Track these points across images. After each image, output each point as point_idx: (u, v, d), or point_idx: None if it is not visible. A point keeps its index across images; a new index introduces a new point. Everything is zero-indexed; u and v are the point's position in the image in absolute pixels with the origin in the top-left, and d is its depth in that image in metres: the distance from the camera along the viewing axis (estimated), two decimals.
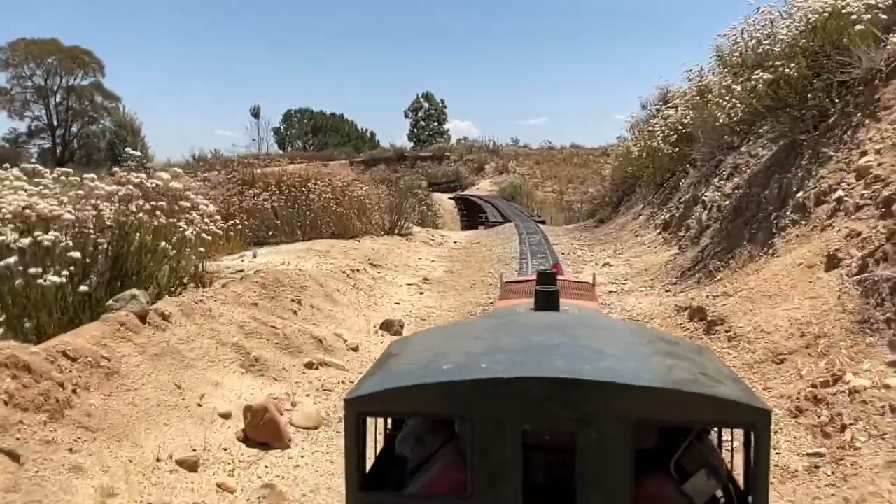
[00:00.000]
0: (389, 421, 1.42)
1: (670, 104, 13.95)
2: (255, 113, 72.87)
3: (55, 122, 47.70)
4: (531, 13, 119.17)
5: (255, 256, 8.62)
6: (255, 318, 4.91)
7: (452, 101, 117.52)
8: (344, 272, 7.86)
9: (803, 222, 6.40)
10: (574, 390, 1.06)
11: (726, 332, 5.31)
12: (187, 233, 4.83)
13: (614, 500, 1.07)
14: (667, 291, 7.71)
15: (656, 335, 1.50)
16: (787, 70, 6.87)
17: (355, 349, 5.39)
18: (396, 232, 13.57)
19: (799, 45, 6.96)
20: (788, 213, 6.68)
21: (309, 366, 4.72)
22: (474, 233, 17.96)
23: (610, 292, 8.15)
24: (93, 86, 48.22)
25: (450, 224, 37.82)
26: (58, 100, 47.69)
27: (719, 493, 1.19)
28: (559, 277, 2.11)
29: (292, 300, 5.78)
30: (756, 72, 7.07)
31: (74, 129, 49.13)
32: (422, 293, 8.27)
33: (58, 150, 47.91)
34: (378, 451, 1.36)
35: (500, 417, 1.07)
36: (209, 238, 5.27)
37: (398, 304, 7.49)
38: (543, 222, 21.64)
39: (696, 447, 1.18)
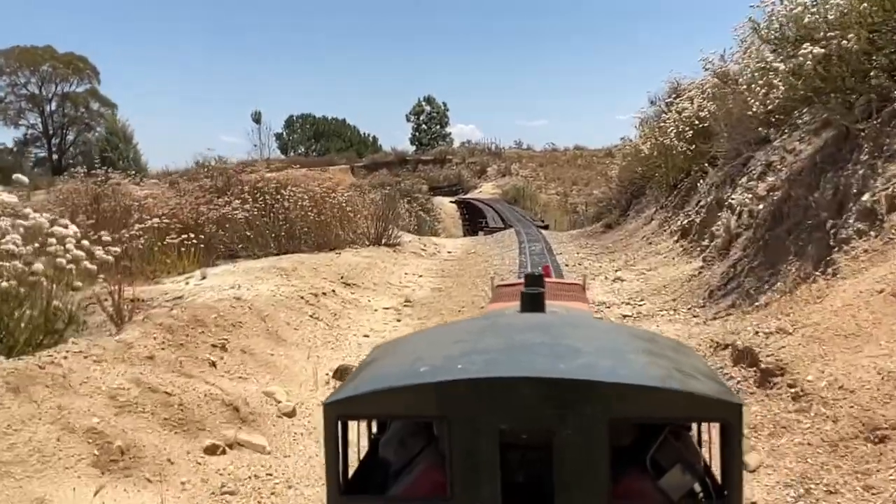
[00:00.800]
0: (374, 425, 1.40)
1: (685, 97, 12.52)
2: (257, 118, 71.45)
3: (50, 131, 46.63)
4: (531, 13, 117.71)
5: (203, 278, 7.24)
6: (142, 380, 3.52)
7: (456, 104, 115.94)
8: (303, 297, 6.47)
9: (873, 233, 4.97)
10: (549, 389, 1.06)
11: (790, 386, 3.87)
12: (36, 265, 3.44)
13: (592, 497, 1.07)
14: (694, 317, 6.29)
15: (636, 333, 1.49)
16: (844, 42, 5.45)
17: (290, 414, 4.00)
18: (384, 242, 12.17)
19: (857, 11, 5.55)
20: (851, 220, 5.24)
21: (211, 450, 3.33)
22: (472, 240, 16.55)
23: (624, 316, 6.74)
24: (88, 93, 47.16)
25: (451, 229, 36.47)
26: (52, 107, 46.63)
27: (698, 487, 1.18)
28: (549, 280, 2.24)
29: (213, 345, 4.39)
30: (804, 45, 5.65)
31: (71, 136, 47.99)
32: (399, 320, 6.87)
33: (53, 159, 46.86)
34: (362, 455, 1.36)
35: (476, 418, 1.07)
36: (94, 267, 3.88)
37: (367, 336, 6.09)
38: (547, 227, 20.23)
39: (672, 443, 1.16)
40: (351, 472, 1.23)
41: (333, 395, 1.17)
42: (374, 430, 1.41)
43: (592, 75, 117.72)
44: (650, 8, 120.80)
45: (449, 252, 13.24)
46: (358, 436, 1.30)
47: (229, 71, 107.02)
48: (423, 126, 72.00)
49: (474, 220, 29.05)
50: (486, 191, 46.48)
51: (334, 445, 1.13)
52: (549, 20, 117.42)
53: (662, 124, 13.46)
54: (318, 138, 74.72)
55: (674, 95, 15.65)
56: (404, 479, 1.20)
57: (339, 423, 1.15)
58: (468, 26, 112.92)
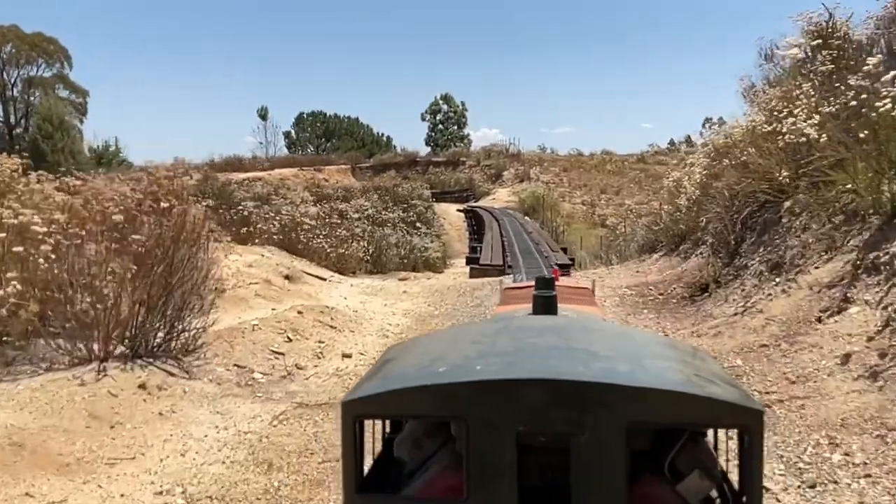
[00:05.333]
0: (387, 424, 1.38)
1: None
2: (263, 114, 64.16)
3: (12, 119, 39.78)
4: (557, 20, 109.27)
5: None
6: None
7: (480, 108, 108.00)
8: None
9: None
10: (568, 392, 1.03)
11: None
12: None
13: (608, 500, 1.03)
14: None
15: (651, 338, 1.46)
16: None
17: None
18: (154, 346, 4.41)
19: None
20: None
21: None
22: (433, 297, 8.61)
23: None
24: (56, 77, 40.27)
25: (454, 244, 28.61)
26: (16, 93, 39.82)
27: (714, 493, 1.16)
28: (558, 283, 2.06)
29: None
30: None
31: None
32: None
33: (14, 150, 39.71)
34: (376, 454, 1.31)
35: (494, 419, 1.03)
36: None
37: None
38: (571, 263, 12.31)
39: (690, 448, 1.14)
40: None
41: (350, 394, 1.13)
42: (388, 429, 1.37)
43: (617, 82, 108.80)
44: (673, 16, 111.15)
45: (346, 357, 5.38)
46: (374, 435, 1.22)
47: (256, 72, 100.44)
48: (440, 126, 64.09)
49: (482, 233, 21.44)
50: (500, 198, 38.49)
51: (351, 444, 1.09)
52: (575, 27, 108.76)
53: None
54: (329, 137, 67.26)
55: (819, 40, 7.74)
56: (419, 479, 1.16)
57: (356, 422, 1.10)
58: (493, 31, 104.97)
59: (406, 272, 14.59)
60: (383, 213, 28.54)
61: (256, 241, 10.60)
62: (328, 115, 68.06)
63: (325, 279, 9.40)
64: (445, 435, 1.16)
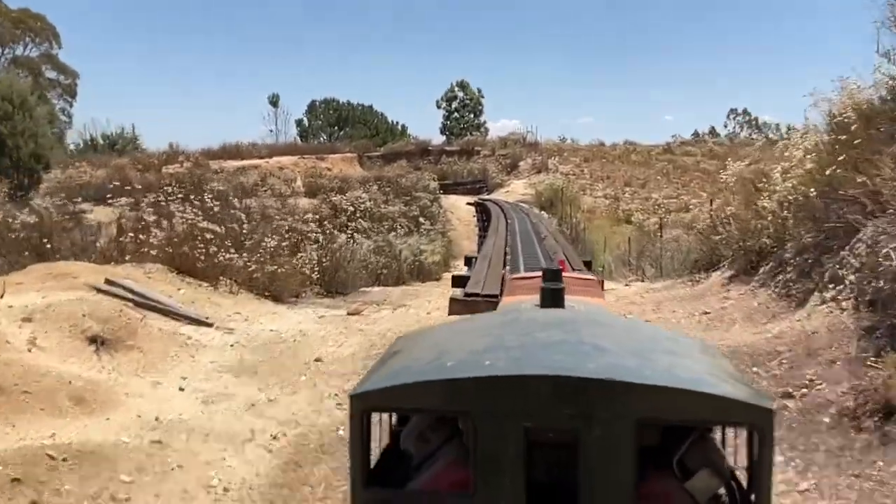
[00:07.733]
0: (394, 417, 1.34)
1: None
2: (274, 101, 60.70)
3: None
4: (578, 11, 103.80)
5: None
6: None
7: (501, 99, 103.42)
8: None
9: None
10: (576, 388, 1.00)
11: None
12: None
13: (617, 497, 1.00)
14: None
15: (660, 332, 1.40)
16: None
17: None
18: None
19: None
20: None
21: None
22: (371, 363, 4.93)
23: None
24: (43, 57, 36.97)
25: (462, 241, 24.94)
26: None
27: (722, 490, 1.11)
28: (566, 274, 1.98)
29: None
30: None
31: None
32: None
33: None
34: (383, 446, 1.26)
35: (502, 414, 1.01)
36: None
37: None
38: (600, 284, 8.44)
39: (699, 445, 1.10)
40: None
41: (359, 388, 1.10)
42: (395, 422, 1.33)
43: (637, 75, 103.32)
44: (691, 7, 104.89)
45: None
46: (380, 428, 1.17)
47: (268, 58, 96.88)
48: (455, 114, 60.00)
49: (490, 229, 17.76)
50: (515, 190, 34.44)
51: (359, 438, 1.07)
52: (594, 17, 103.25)
53: None
54: (342, 125, 63.59)
55: None
56: (425, 473, 1.13)
57: (363, 415, 1.07)
58: (514, 22, 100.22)
59: (380, 288, 10.88)
60: (382, 206, 24.88)
61: (128, 258, 6.93)
62: (341, 102, 64.37)
63: (210, 325, 5.72)
64: (452, 428, 1.12)
